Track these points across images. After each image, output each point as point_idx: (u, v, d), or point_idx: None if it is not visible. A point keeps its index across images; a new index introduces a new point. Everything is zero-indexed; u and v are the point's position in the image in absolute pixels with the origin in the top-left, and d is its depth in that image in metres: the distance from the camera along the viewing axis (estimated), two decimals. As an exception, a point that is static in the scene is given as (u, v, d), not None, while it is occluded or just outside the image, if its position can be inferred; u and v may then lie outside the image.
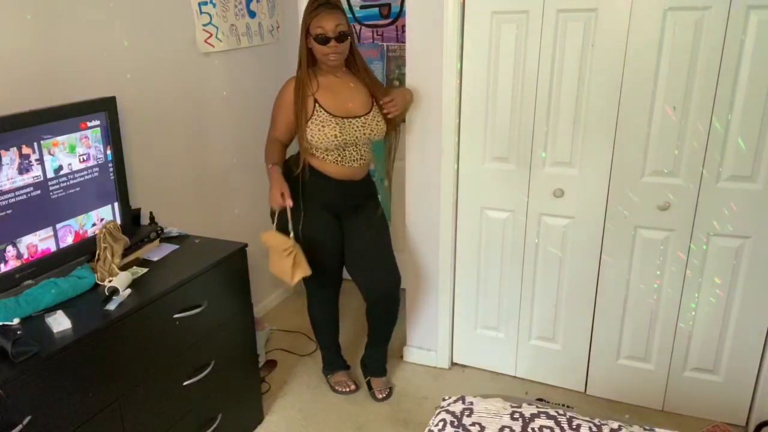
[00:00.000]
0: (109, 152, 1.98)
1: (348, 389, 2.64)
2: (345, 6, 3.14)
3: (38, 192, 1.75)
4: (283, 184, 2.24)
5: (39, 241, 1.79)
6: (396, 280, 2.47)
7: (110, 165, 1.99)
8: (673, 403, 2.47)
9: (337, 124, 2.24)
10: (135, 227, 2.15)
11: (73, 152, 1.85)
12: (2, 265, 1.69)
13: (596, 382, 2.58)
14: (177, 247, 2.15)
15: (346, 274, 2.55)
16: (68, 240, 1.89)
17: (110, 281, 1.81)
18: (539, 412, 1.60)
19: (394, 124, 2.45)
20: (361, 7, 3.26)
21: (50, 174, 1.78)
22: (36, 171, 1.74)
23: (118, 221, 2.03)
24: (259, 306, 3.17)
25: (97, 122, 1.92)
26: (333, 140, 2.24)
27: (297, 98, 2.26)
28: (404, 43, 2.52)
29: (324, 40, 2.20)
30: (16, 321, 1.63)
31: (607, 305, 2.45)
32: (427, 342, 2.83)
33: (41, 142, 1.74)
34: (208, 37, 2.62)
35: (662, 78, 2.13)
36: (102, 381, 1.66)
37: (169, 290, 1.87)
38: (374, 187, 2.52)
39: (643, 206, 2.28)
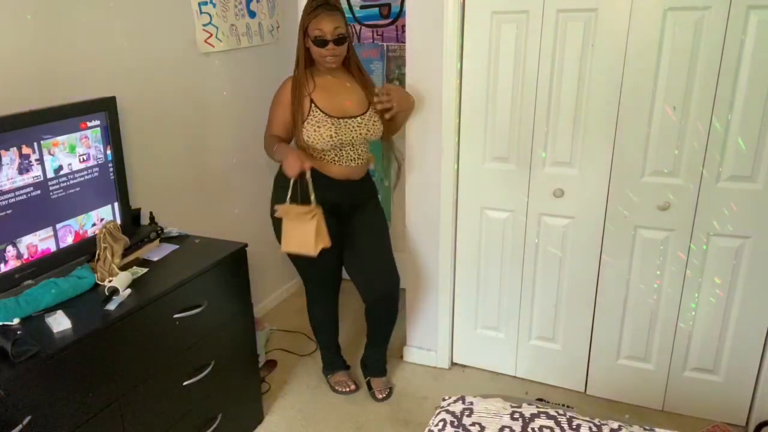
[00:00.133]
0: (109, 152, 1.98)
1: (348, 389, 2.64)
2: (345, 6, 3.16)
3: (38, 192, 1.75)
4: (298, 151, 2.21)
5: (39, 241, 1.79)
6: (395, 281, 2.47)
7: (110, 165, 1.99)
8: (673, 403, 2.47)
9: (333, 124, 2.24)
10: (135, 227, 2.15)
11: (73, 152, 1.85)
12: (2, 265, 1.69)
13: (596, 382, 2.58)
14: (177, 247, 2.15)
15: (345, 274, 2.55)
16: (68, 240, 1.89)
17: (110, 281, 1.81)
18: (539, 412, 1.60)
19: (391, 128, 2.43)
20: (361, 7, 3.26)
21: (50, 174, 1.78)
22: (36, 171, 1.74)
23: (118, 221, 2.03)
24: (259, 306, 3.17)
25: (97, 122, 1.92)
26: (329, 140, 2.24)
27: (294, 98, 2.26)
28: (404, 43, 2.52)
29: (322, 43, 2.20)
30: (16, 321, 1.63)
31: (607, 305, 2.45)
32: (427, 342, 2.83)
33: (41, 142, 1.74)
34: (208, 37, 2.62)
35: (662, 78, 2.13)
36: (102, 381, 1.66)
37: (169, 290, 1.87)
38: (374, 187, 2.52)
39: (643, 206, 2.28)
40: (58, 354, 1.53)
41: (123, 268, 1.93)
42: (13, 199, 1.68)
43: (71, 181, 1.85)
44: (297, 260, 2.49)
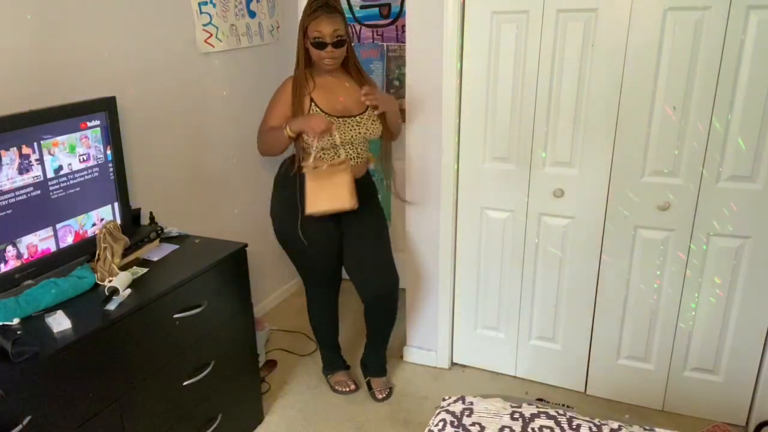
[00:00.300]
0: (109, 152, 1.98)
1: (348, 389, 2.64)
2: (345, 6, 3.16)
3: (38, 192, 1.75)
4: (315, 114, 2.22)
5: (39, 241, 1.79)
6: (394, 281, 2.47)
7: (110, 165, 1.99)
8: (673, 403, 2.47)
9: (333, 123, 2.24)
10: (135, 227, 2.15)
11: (73, 152, 1.85)
12: (2, 265, 1.69)
13: (596, 382, 2.58)
14: (177, 247, 2.15)
15: (345, 274, 2.55)
16: (68, 240, 1.89)
17: (110, 281, 1.80)
18: (539, 412, 1.60)
19: (389, 130, 2.44)
20: (361, 7, 3.26)
21: (50, 174, 1.78)
22: (36, 171, 1.74)
23: (118, 221, 2.03)
24: (259, 306, 3.17)
25: (97, 122, 1.92)
26: (329, 139, 2.24)
27: (294, 98, 2.27)
28: (404, 43, 2.52)
29: (321, 45, 2.20)
30: (16, 321, 1.63)
31: (607, 305, 2.45)
32: (427, 342, 2.83)
33: (41, 142, 1.74)
34: (208, 37, 2.62)
35: (662, 78, 2.13)
36: (102, 381, 1.66)
37: (169, 290, 1.87)
38: (374, 186, 2.52)
39: (643, 206, 2.28)
40: (58, 354, 1.53)
41: (123, 268, 1.93)
42: (13, 199, 1.68)
43: (71, 181, 1.85)
44: (297, 260, 2.50)
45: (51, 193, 1.79)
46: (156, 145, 2.42)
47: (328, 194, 2.20)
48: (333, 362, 2.71)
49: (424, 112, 2.51)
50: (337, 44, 2.22)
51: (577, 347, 2.56)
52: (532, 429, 1.54)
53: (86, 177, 1.91)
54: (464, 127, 2.48)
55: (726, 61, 2.04)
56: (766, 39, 1.98)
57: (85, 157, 1.89)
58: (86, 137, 1.89)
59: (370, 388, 2.64)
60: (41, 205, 1.77)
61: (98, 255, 1.89)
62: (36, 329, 1.61)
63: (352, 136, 2.28)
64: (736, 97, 2.06)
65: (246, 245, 2.19)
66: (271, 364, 2.84)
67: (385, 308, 2.50)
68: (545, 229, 2.47)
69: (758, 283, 2.22)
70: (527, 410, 1.61)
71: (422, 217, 2.65)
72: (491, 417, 1.59)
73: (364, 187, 2.44)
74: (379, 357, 2.65)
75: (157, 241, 2.17)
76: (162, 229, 2.21)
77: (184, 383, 1.96)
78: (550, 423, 1.56)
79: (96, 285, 1.84)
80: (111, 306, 1.73)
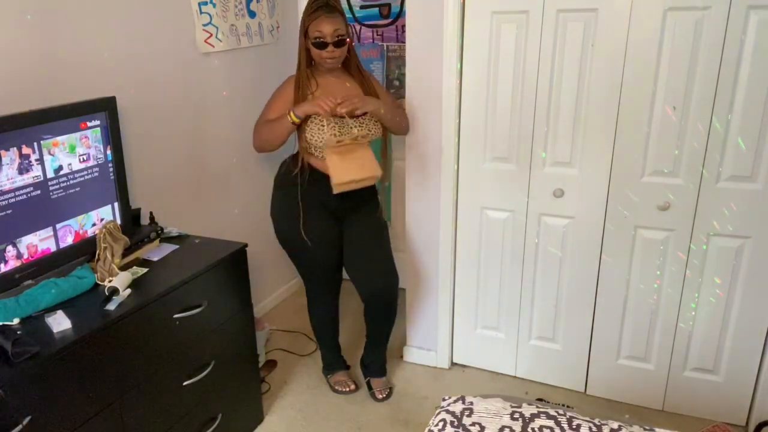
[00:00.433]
0: (109, 152, 1.98)
1: (348, 389, 2.64)
2: (345, 6, 3.15)
3: (38, 192, 1.75)
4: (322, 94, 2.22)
5: (39, 241, 1.78)
6: (394, 281, 2.46)
7: (110, 165, 1.99)
8: (673, 403, 2.47)
9: (336, 123, 2.24)
10: (135, 227, 2.15)
11: (73, 152, 1.85)
12: (2, 265, 1.69)
13: (596, 382, 2.58)
14: (177, 247, 2.15)
15: (346, 274, 2.55)
16: (68, 240, 1.88)
17: (110, 281, 1.81)
18: (539, 412, 1.60)
19: (385, 132, 2.44)
20: (361, 7, 3.26)
21: (50, 174, 1.78)
22: (36, 171, 1.74)
23: (118, 221, 2.03)
24: (259, 306, 3.17)
25: (97, 122, 1.92)
26: (331, 140, 2.24)
27: (296, 98, 2.27)
28: (404, 43, 2.52)
29: (321, 45, 2.21)
30: (16, 321, 1.63)
31: (607, 305, 2.45)
32: (427, 342, 2.83)
33: (41, 142, 1.74)
34: (208, 37, 2.62)
35: (662, 78, 2.13)
36: (102, 381, 1.66)
37: (169, 290, 1.87)
38: (374, 186, 2.52)
39: (643, 206, 2.28)
40: (58, 354, 1.53)
41: (123, 268, 1.93)
42: (13, 199, 1.68)
43: (71, 181, 1.85)
44: (298, 260, 2.50)
45: (51, 193, 1.79)
46: (156, 145, 2.42)
47: (356, 164, 2.21)
48: (333, 362, 2.71)
49: (424, 112, 2.51)
50: (337, 43, 2.22)
51: (577, 347, 2.56)
52: (532, 429, 1.54)
53: (86, 177, 1.91)
54: (464, 127, 2.48)
55: (726, 61, 2.04)
56: (766, 39, 1.98)
57: (85, 157, 1.89)
58: (86, 137, 1.89)
59: (370, 388, 2.64)
60: (41, 205, 1.77)
61: (98, 255, 1.89)
62: (36, 329, 1.61)
63: (353, 137, 2.28)
64: (736, 97, 2.06)
65: (246, 245, 2.19)
66: (271, 364, 2.83)
67: (385, 308, 2.50)
68: (545, 229, 2.47)
69: (758, 283, 2.22)
70: (527, 410, 1.61)
71: (422, 217, 2.65)
72: (491, 417, 1.59)
73: (365, 186, 2.44)
74: (379, 357, 2.65)
75: (157, 241, 2.17)
76: (162, 229, 2.21)
77: (184, 383, 1.96)
78: (550, 423, 1.56)
79: (96, 285, 1.85)
80: (111, 306, 1.73)
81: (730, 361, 2.33)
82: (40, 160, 1.74)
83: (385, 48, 3.27)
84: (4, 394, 1.39)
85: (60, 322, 1.62)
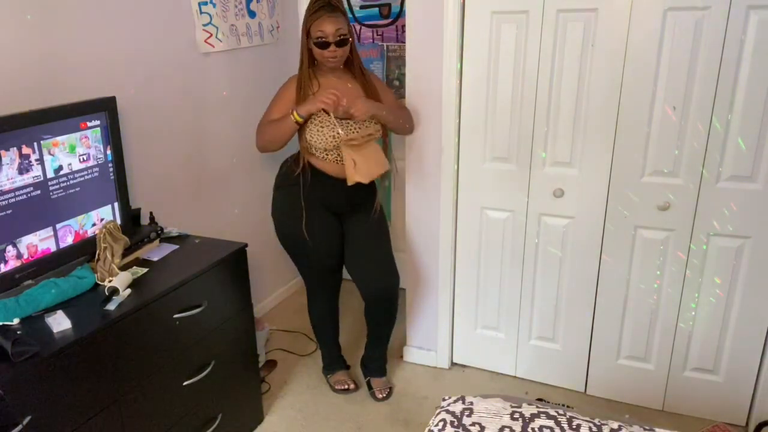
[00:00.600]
0: (109, 152, 1.98)
1: (348, 389, 2.64)
2: (345, 6, 3.15)
3: (38, 192, 1.75)
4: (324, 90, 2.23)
5: (39, 241, 1.78)
6: (394, 280, 2.47)
7: (110, 165, 1.99)
8: (673, 403, 2.47)
9: (337, 124, 2.24)
10: (135, 227, 2.15)
11: (73, 152, 1.85)
12: (2, 265, 1.69)
13: (596, 382, 2.58)
14: (177, 247, 2.15)
15: (346, 274, 2.55)
16: (68, 240, 1.88)
17: (110, 281, 1.81)
18: (539, 412, 1.60)
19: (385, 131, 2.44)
20: (361, 7, 3.26)
21: (50, 174, 1.78)
22: (36, 171, 1.74)
23: (118, 221, 2.03)
24: (259, 306, 3.17)
25: (97, 122, 1.92)
26: (332, 141, 2.24)
27: (298, 98, 2.27)
28: (404, 43, 2.52)
29: (324, 45, 2.21)
30: (16, 321, 1.63)
31: (607, 305, 2.45)
32: (427, 342, 2.83)
33: (41, 142, 1.74)
34: (208, 37, 2.62)
35: (662, 78, 2.13)
36: (102, 381, 1.66)
37: (169, 290, 1.87)
38: (374, 186, 2.52)
39: (643, 206, 2.28)
40: (58, 354, 1.53)
41: (123, 268, 1.93)
42: (13, 199, 1.68)
43: (71, 181, 1.85)
44: (299, 259, 2.50)
45: (51, 193, 1.79)
46: (156, 145, 2.42)
47: (374, 161, 2.28)
48: (333, 362, 2.71)
49: (424, 112, 2.51)
50: (339, 43, 2.22)
51: (577, 347, 2.56)
52: (532, 429, 1.54)
53: (86, 177, 1.91)
54: (464, 127, 2.48)
55: (726, 61, 2.04)
56: (766, 39, 1.98)
57: (85, 157, 1.89)
58: (86, 137, 1.89)
59: (370, 388, 2.64)
60: (41, 205, 1.77)
61: (98, 255, 1.89)
62: (36, 329, 1.61)
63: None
64: (736, 97, 2.06)
65: (246, 245, 2.19)
66: (271, 364, 2.84)
67: (386, 307, 2.50)
68: (545, 229, 2.47)
69: (758, 283, 2.22)
70: (527, 410, 1.61)
71: (422, 217, 2.65)
72: (491, 417, 1.59)
73: (365, 186, 2.44)
74: (379, 357, 2.65)
75: (157, 241, 2.17)
76: (162, 229, 2.21)
77: (184, 383, 1.96)
78: (550, 423, 1.56)
79: (96, 285, 1.85)
80: (111, 306, 1.73)
81: (730, 361, 2.33)
82: (40, 160, 1.74)
83: (385, 48, 3.27)
84: (4, 394, 1.39)
85: (60, 322, 1.63)
